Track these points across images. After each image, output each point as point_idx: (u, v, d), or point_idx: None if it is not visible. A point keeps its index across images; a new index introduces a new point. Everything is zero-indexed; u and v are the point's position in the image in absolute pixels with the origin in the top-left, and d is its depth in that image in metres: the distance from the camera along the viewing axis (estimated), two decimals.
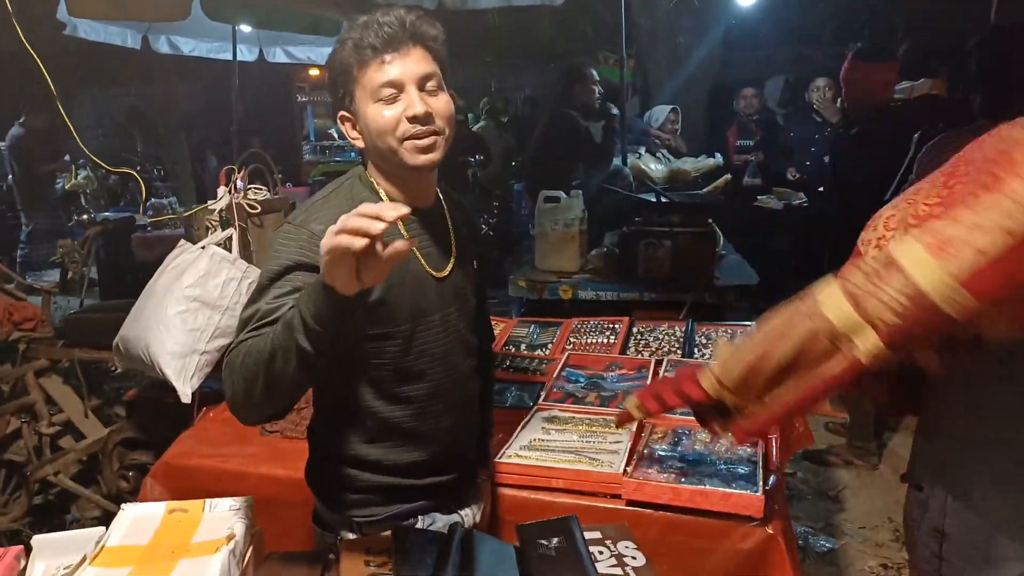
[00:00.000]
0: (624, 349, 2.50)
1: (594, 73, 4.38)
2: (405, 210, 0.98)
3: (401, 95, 1.25)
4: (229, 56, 5.09)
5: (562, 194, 3.75)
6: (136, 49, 5.47)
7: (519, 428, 1.87)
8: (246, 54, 5.67)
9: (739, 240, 4.33)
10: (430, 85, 1.27)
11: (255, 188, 2.33)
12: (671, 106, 5.36)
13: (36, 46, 2.29)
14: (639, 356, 2.42)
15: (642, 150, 4.99)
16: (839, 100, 4.73)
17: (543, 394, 2.12)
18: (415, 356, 1.33)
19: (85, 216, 5.34)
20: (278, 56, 6.00)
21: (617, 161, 4.47)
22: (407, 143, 1.26)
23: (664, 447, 1.78)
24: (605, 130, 4.33)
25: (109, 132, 10.63)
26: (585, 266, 3.79)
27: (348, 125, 1.32)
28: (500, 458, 1.70)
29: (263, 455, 1.86)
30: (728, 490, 1.53)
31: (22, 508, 2.88)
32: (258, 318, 1.18)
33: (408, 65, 1.24)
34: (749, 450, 1.74)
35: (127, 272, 5.07)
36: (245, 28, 4.97)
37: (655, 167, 4.78)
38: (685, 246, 3.61)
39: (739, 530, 1.50)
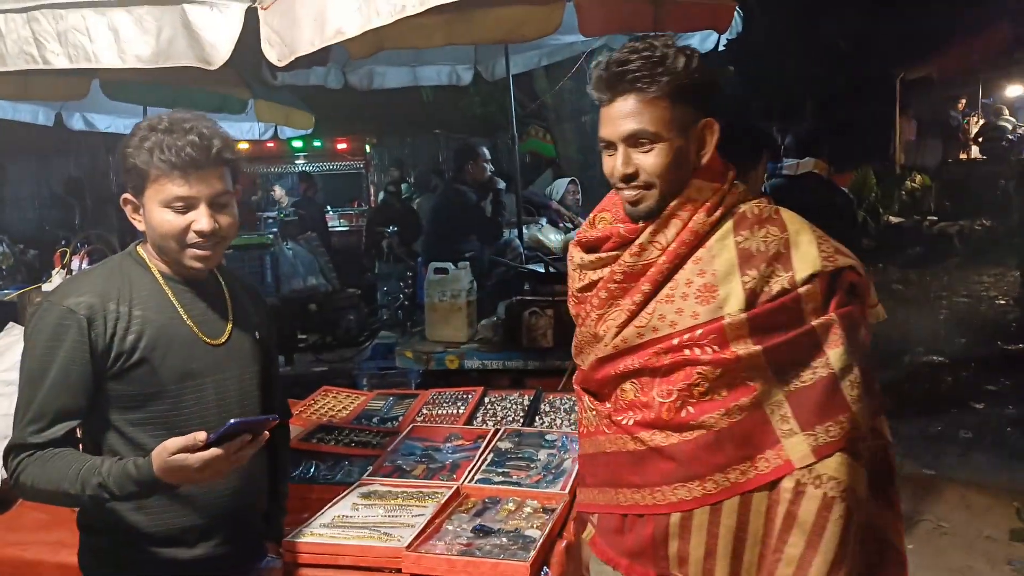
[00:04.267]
0: (471, 419, 2.57)
1: (486, 151, 4.58)
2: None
3: (191, 210, 1.38)
4: None
5: (450, 266, 3.87)
6: (49, 126, 5.51)
7: (328, 505, 1.91)
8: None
9: None
10: (221, 200, 1.41)
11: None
12: (570, 179, 5.60)
13: None
14: (484, 426, 2.49)
15: (543, 221, 5.19)
16: None
17: (372, 468, 2.16)
18: (186, 417, 1.41)
19: None
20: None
21: (511, 233, 4.63)
22: (189, 250, 1.40)
23: (465, 518, 1.83)
24: (493, 203, 4.51)
25: (46, 204, 10.57)
26: (474, 336, 3.88)
27: (131, 208, 1.44)
28: (295, 537, 1.73)
29: (67, 541, 1.85)
30: (499, 559, 1.59)
31: None
32: (36, 420, 1.33)
33: (205, 186, 1.38)
34: (544, 517, 1.81)
35: None
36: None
37: (553, 237, 4.96)
38: (567, 315, 3.73)
39: None
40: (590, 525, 1.52)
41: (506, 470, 2.11)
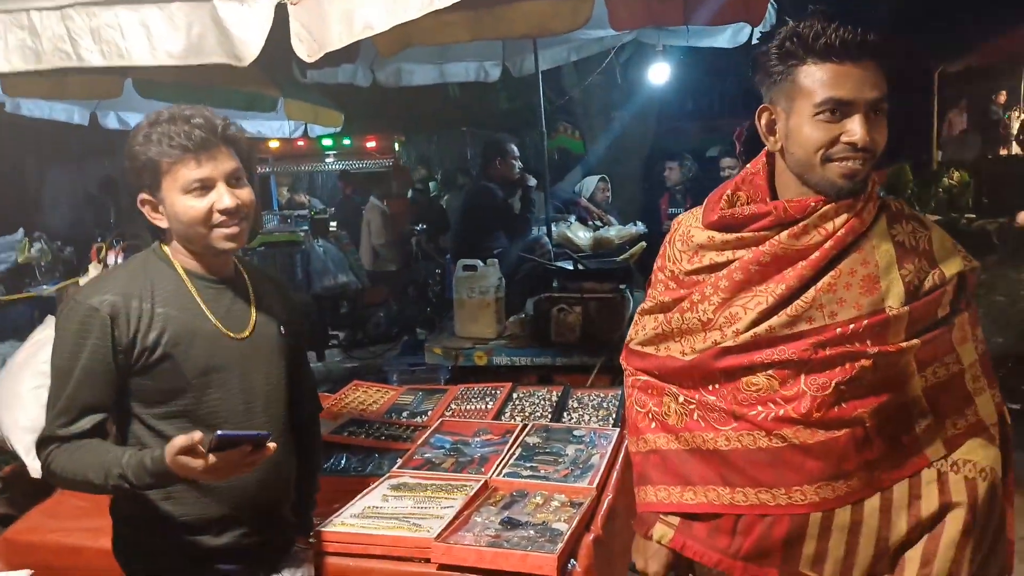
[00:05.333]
0: (499, 415, 2.57)
1: (514, 148, 4.57)
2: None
3: (210, 190, 1.40)
4: None
5: (479, 263, 3.87)
6: (84, 125, 5.62)
7: (358, 496, 1.92)
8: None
9: None
10: (236, 176, 1.43)
11: None
12: (599, 176, 5.57)
13: None
14: (512, 421, 2.49)
15: (572, 219, 5.16)
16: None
17: (401, 461, 2.17)
18: (210, 410, 1.44)
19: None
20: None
21: (540, 231, 4.62)
22: (216, 231, 1.42)
23: (493, 510, 1.84)
24: (522, 200, 4.49)
25: (81, 203, 10.79)
26: (503, 332, 3.88)
27: (149, 207, 1.46)
28: (325, 527, 1.75)
29: (106, 528, 1.89)
30: (526, 552, 1.59)
31: None
32: (63, 414, 1.37)
33: (218, 164, 1.40)
34: (571, 510, 1.80)
35: None
36: None
37: (582, 235, 4.92)
38: (596, 311, 3.72)
39: None
40: (662, 526, 1.43)
41: (534, 464, 2.11)
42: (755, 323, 1.30)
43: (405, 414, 2.65)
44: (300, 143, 9.25)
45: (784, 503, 1.29)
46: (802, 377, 1.27)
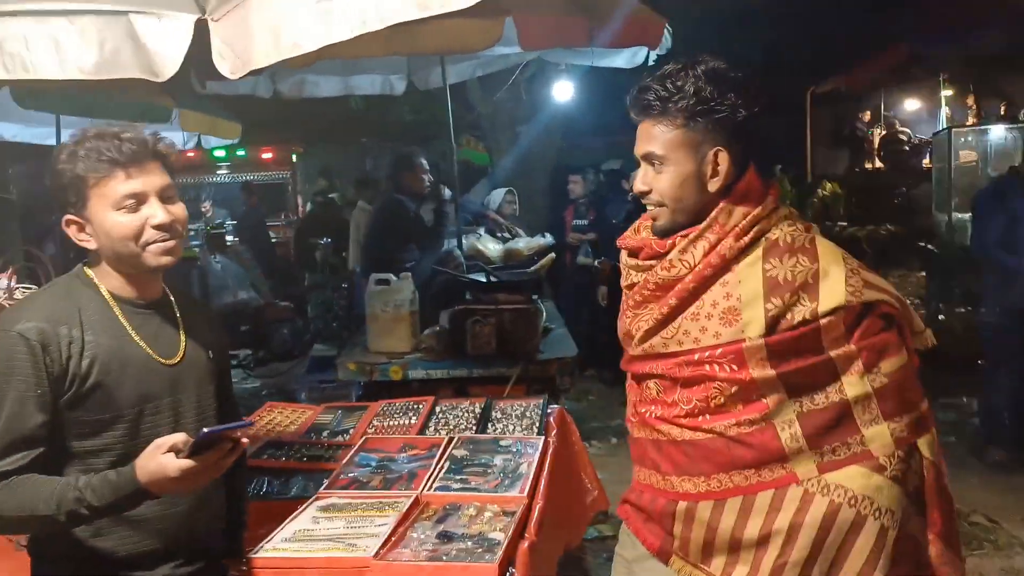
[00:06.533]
0: (424, 429, 2.58)
1: (423, 161, 4.58)
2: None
3: (142, 205, 1.34)
4: (53, 142, 4.94)
5: (392, 276, 3.85)
6: None
7: (288, 520, 1.88)
8: (44, 138, 5.37)
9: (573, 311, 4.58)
10: (168, 192, 1.39)
11: (24, 288, 2.29)
12: (507, 188, 5.67)
13: None
14: (437, 435, 2.50)
15: (482, 231, 5.22)
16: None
17: (327, 482, 2.14)
18: (145, 441, 1.38)
19: None
20: None
21: (451, 243, 4.65)
22: (151, 247, 1.37)
23: (427, 525, 1.85)
24: (436, 213, 4.51)
25: None
26: (418, 346, 3.87)
27: (75, 228, 1.39)
28: (256, 553, 1.71)
29: (19, 570, 1.78)
30: (467, 563, 1.61)
31: None
32: None
33: (150, 178, 1.36)
34: (505, 520, 1.84)
35: None
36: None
37: (492, 247, 4.99)
38: (510, 322, 3.78)
39: None
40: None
41: (464, 476, 2.13)
42: (644, 338, 1.48)
43: (326, 433, 2.61)
44: (191, 154, 8.88)
45: (662, 487, 1.49)
46: (678, 389, 1.45)
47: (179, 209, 1.40)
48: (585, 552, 3.49)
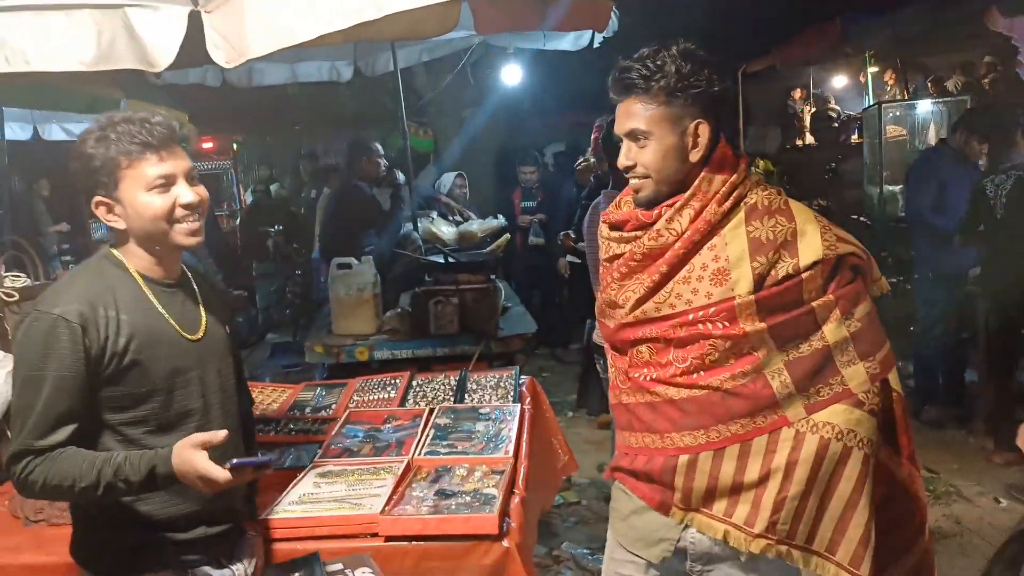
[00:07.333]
0: (403, 402, 2.70)
1: (379, 147, 4.65)
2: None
3: (172, 186, 1.44)
4: None
5: (354, 260, 3.93)
6: None
7: (291, 485, 1.99)
8: (18, 132, 5.40)
9: (525, 292, 4.74)
10: (193, 174, 1.49)
11: (13, 276, 2.30)
12: (456, 172, 5.77)
13: None
14: (417, 406, 2.63)
15: (434, 214, 5.31)
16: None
17: (320, 452, 2.25)
18: (176, 411, 1.49)
19: None
20: (55, 133, 5.74)
21: (408, 226, 4.73)
22: (179, 226, 1.47)
23: (424, 485, 1.98)
24: (392, 198, 4.59)
25: None
26: (382, 327, 3.96)
27: (103, 209, 1.47)
28: (268, 515, 1.82)
29: (26, 545, 1.84)
30: (468, 514, 1.76)
31: None
32: (38, 426, 1.36)
33: (178, 161, 1.46)
34: (496, 478, 1.99)
35: None
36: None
37: (446, 230, 5.09)
38: (472, 301, 3.91)
39: (479, 547, 1.73)
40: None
41: (450, 442, 2.27)
42: (635, 306, 1.57)
43: (308, 409, 2.71)
44: None
45: (659, 446, 1.56)
46: (671, 350, 1.53)
47: (203, 190, 1.50)
48: (553, 517, 3.68)
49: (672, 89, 1.46)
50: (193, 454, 1.35)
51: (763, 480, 1.48)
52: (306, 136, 12.16)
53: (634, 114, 1.49)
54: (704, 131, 1.49)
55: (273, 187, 9.29)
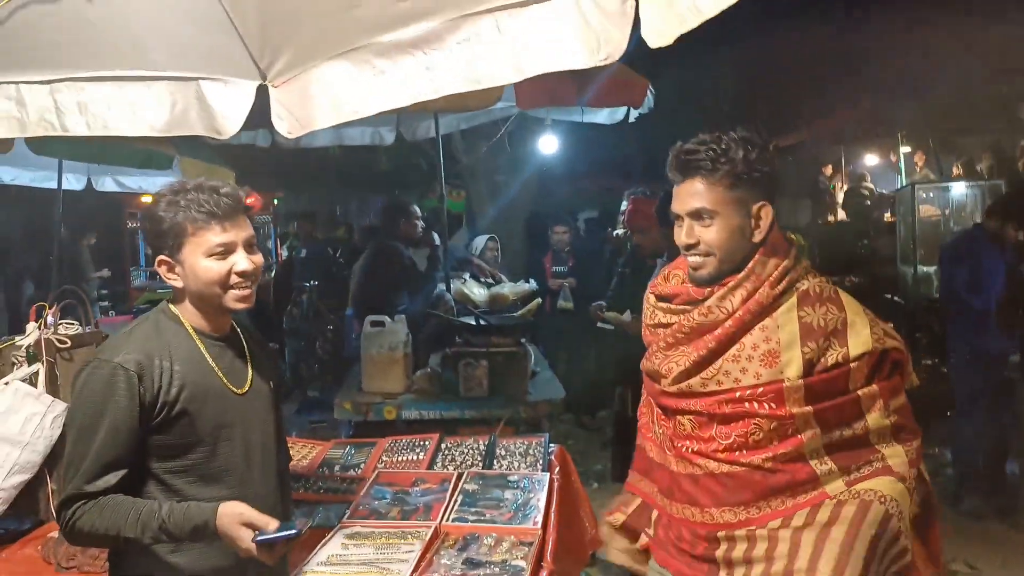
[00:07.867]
0: (432, 464, 2.71)
1: (417, 208, 4.77)
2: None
3: (230, 254, 1.53)
4: (53, 185, 5.04)
5: (387, 319, 4.00)
6: None
7: (319, 545, 2.01)
8: (73, 183, 5.63)
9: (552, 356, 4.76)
10: (251, 243, 1.58)
11: (67, 323, 2.40)
12: (489, 236, 5.88)
13: None
14: (445, 470, 2.64)
15: (466, 276, 5.40)
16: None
17: (348, 512, 2.27)
18: (218, 464, 1.54)
19: None
20: (107, 185, 5.98)
21: (440, 287, 4.82)
22: (232, 292, 1.55)
23: (452, 553, 1.98)
24: (429, 259, 4.69)
25: None
26: (410, 387, 4.00)
27: (165, 268, 1.56)
28: (298, 575, 1.83)
29: None
30: None
31: None
32: (90, 471, 1.42)
33: (240, 230, 1.55)
34: (524, 549, 1.98)
35: None
36: None
37: (478, 291, 5.17)
38: (500, 365, 3.94)
39: None
40: (644, 536, 1.75)
41: (479, 509, 2.27)
42: (679, 379, 1.60)
43: (337, 467, 2.73)
44: None
45: (698, 520, 1.58)
46: (715, 426, 1.56)
47: (259, 258, 1.58)
48: None
49: (739, 173, 1.51)
50: (239, 530, 1.40)
51: (796, 546, 1.48)
52: (342, 195, 12.50)
53: (699, 194, 1.53)
54: (767, 213, 1.54)
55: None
